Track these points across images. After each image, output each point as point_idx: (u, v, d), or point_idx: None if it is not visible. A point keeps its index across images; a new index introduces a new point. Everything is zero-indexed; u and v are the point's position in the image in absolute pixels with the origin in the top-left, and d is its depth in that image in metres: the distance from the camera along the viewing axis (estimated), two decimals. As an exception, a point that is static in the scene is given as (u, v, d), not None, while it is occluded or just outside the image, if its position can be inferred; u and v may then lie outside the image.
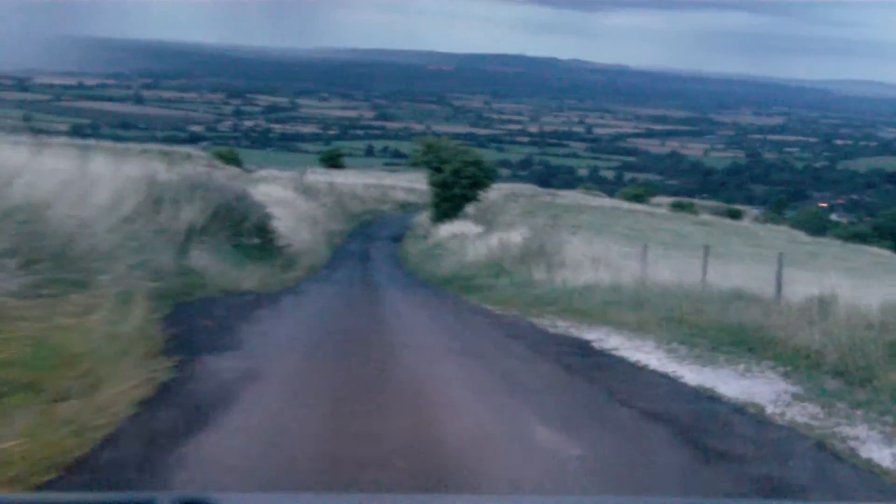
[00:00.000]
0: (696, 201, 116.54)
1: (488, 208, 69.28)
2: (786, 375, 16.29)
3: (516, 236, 39.50)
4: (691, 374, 16.29)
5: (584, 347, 19.69)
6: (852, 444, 11.79)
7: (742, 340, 19.31)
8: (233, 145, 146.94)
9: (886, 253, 76.97)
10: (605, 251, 35.38)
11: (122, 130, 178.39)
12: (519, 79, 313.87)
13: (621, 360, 17.96)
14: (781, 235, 77.43)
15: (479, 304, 29.11)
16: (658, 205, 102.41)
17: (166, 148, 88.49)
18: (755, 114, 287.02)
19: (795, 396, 14.55)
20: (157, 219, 27.34)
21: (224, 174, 63.81)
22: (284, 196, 64.09)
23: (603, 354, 18.76)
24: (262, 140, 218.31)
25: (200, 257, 27.34)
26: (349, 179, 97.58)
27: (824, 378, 15.75)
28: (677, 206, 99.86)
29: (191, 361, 14.13)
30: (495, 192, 77.44)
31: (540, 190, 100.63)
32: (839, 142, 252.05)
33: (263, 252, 35.09)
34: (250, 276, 29.21)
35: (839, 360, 16.09)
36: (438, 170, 68.40)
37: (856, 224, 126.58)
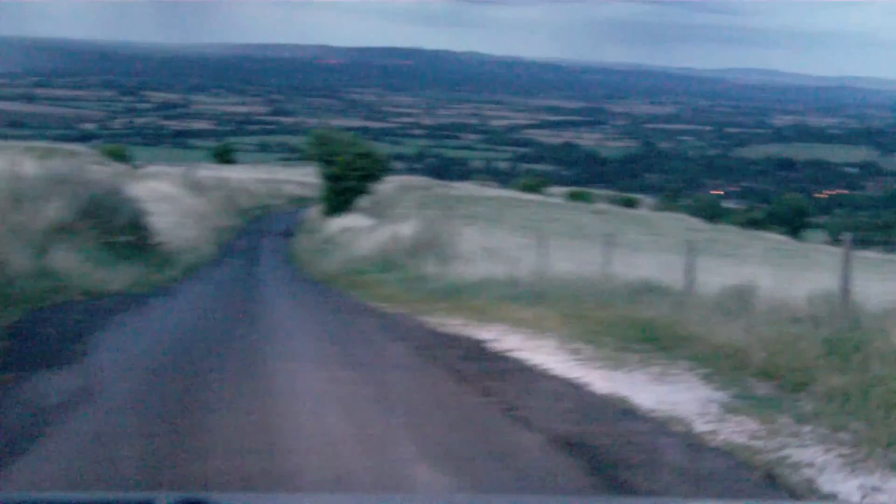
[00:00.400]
0: (592, 191, 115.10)
1: (381, 201, 67.17)
2: (707, 379, 14.19)
3: (407, 229, 37.33)
4: (600, 381, 14.12)
5: (478, 350, 17.59)
6: (808, 472, 9.49)
7: (654, 337, 17.21)
8: (126, 143, 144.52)
9: (784, 238, 76.52)
10: (501, 243, 33.29)
11: (12, 129, 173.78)
12: (413, 72, 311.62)
13: (520, 365, 15.84)
14: (679, 223, 76.19)
15: (365, 301, 26.97)
16: (553, 195, 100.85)
17: (52, 145, 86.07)
18: (648, 103, 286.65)
19: (725, 406, 12.37)
20: (16, 217, 25.03)
21: (108, 171, 62.03)
22: (171, 192, 62.70)
23: (499, 357, 16.65)
24: (155, 137, 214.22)
25: (64, 258, 24.98)
26: (240, 174, 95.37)
27: (752, 381, 13.70)
28: (573, 196, 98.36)
29: (22, 379, 11.97)
30: (389, 185, 75.51)
31: (434, 181, 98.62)
32: (732, 130, 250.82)
33: (137, 251, 32.71)
34: (120, 277, 27.08)
35: (768, 359, 14.00)
36: (330, 162, 66.93)
37: (750, 211, 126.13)
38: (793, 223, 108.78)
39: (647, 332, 17.63)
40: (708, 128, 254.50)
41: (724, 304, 18.10)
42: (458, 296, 25.15)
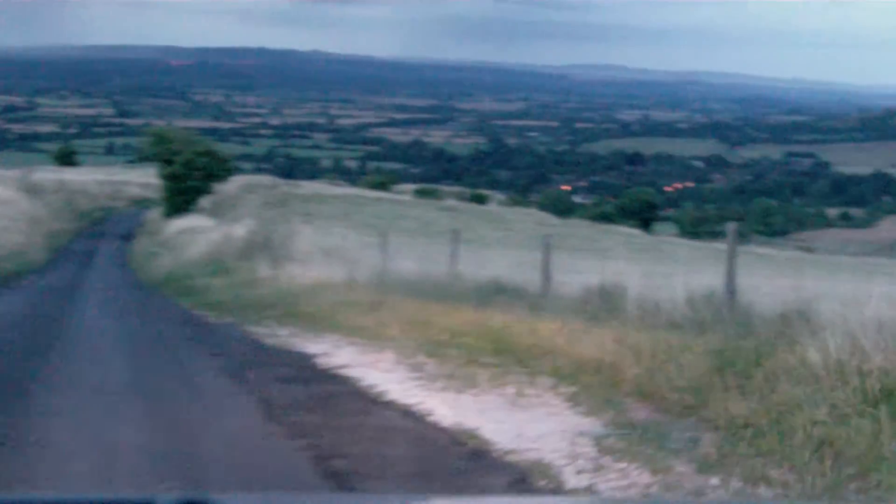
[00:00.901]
0: (441, 187, 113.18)
1: (224, 201, 64.19)
2: (574, 400, 11.70)
3: (241, 229, 34.43)
4: (445, 408, 11.55)
5: (304, 367, 15.04)
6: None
7: (508, 348, 14.60)
8: None
9: (637, 232, 75.37)
10: (344, 242, 30.58)
11: None
12: (259, 72, 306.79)
13: (349, 387, 13.29)
14: (529, 218, 74.50)
15: (191, 309, 24.15)
16: (402, 192, 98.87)
17: None
18: (496, 100, 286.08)
19: (600, 444, 9.74)
20: None
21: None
22: (3, 195, 58.91)
23: (326, 378, 14.10)
24: (0, 141, 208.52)
25: None
26: (81, 177, 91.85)
27: (627, 403, 11.20)
28: (421, 193, 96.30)
29: None
30: (233, 185, 72.67)
31: (280, 181, 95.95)
32: (580, 125, 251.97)
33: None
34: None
35: (645, 376, 11.46)
36: (170, 162, 64.09)
37: (600, 205, 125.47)
38: (643, 216, 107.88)
39: (500, 341, 15.06)
40: (555, 124, 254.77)
41: (588, 307, 15.63)
42: (293, 301, 22.38)
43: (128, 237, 61.32)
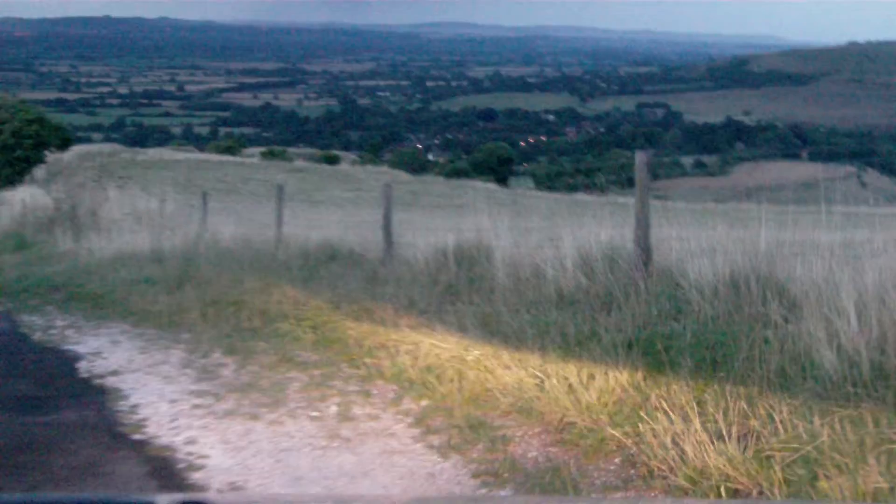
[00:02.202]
0: (292, 150, 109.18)
1: (61, 171, 59.26)
2: (425, 426, 7.65)
3: (44, 198, 29.83)
4: (224, 450, 7.39)
5: (60, 376, 11.04)
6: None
7: (334, 339, 10.71)
8: None
9: (493, 186, 71.95)
10: (160, 208, 26.13)
11: None
12: (105, 41, 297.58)
13: (105, 412, 9.21)
14: (382, 176, 70.49)
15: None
16: (251, 156, 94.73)
17: None
18: (345, 61, 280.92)
19: None
20: None
21: None
22: None
23: (82, 393, 10.08)
24: None
25: None
26: None
27: (506, 428, 7.06)
28: (269, 155, 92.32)
29: None
30: (70, 154, 67.91)
31: (123, 148, 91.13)
32: (430, 84, 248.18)
33: None
34: None
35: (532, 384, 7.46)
36: None
37: (454, 161, 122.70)
38: (498, 172, 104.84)
39: (324, 329, 11.04)
40: (406, 83, 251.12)
41: (443, 276, 11.64)
42: (86, 279, 18.03)
43: None
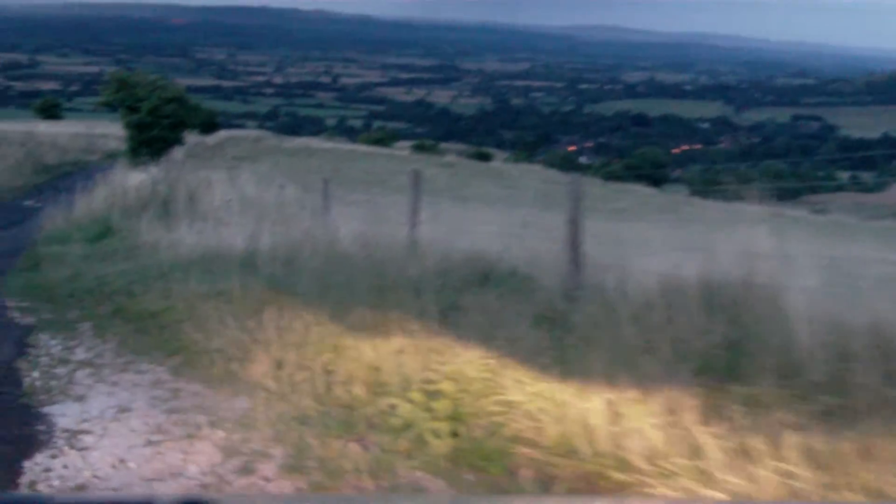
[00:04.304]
0: (444, 145, 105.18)
1: (200, 154, 55.49)
2: None
3: (136, 178, 25.08)
4: None
5: None
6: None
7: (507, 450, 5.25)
8: None
9: (651, 191, 67.36)
10: (275, 195, 21.18)
11: None
12: (262, 30, 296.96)
13: None
14: (535, 175, 66.21)
15: (5, 295, 14.85)
16: (402, 149, 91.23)
17: None
18: (500, 60, 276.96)
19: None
20: None
21: None
22: None
23: None
24: (1, 98, 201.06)
25: None
26: (54, 129, 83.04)
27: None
28: (420, 148, 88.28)
29: None
30: (213, 138, 64.93)
31: (268, 135, 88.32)
32: (584, 86, 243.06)
33: None
34: None
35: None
36: (134, 109, 55.05)
37: (607, 165, 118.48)
38: (652, 177, 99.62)
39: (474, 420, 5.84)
40: (560, 84, 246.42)
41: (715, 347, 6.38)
42: (147, 287, 13.07)
43: (81, 192, 52.80)
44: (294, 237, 14.99)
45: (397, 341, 8.34)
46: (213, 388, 8.09)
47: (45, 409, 7.81)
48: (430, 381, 7.22)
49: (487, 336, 7.99)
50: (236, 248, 14.71)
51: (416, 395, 7.00)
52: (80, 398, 8.18)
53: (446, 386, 7.00)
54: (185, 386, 8.26)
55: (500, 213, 20.49)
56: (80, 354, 9.91)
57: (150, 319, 11.10)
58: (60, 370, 9.21)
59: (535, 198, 23.78)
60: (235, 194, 20.72)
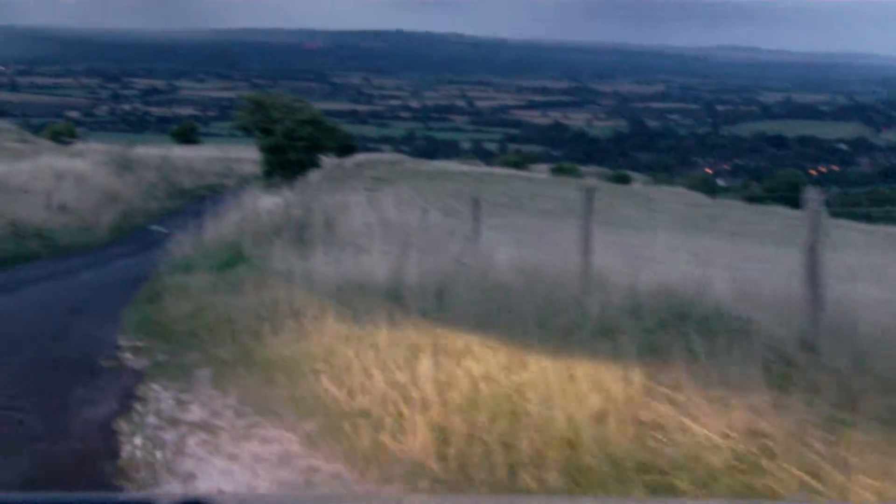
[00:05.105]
0: (582, 168, 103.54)
1: (336, 177, 54.48)
2: None
3: (269, 202, 23.46)
4: None
5: None
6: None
7: None
8: (110, 129, 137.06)
9: (797, 213, 64.41)
10: (418, 219, 19.34)
11: None
12: (397, 54, 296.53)
13: None
14: (678, 198, 65.03)
15: (120, 331, 13.24)
16: (539, 171, 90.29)
17: None
18: (635, 82, 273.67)
19: None
20: None
21: (17, 147, 59.80)
22: (77, 169, 50.65)
23: None
24: (140, 123, 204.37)
25: None
26: (190, 153, 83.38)
27: None
28: (559, 171, 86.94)
29: None
30: (350, 161, 64.46)
31: (405, 158, 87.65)
32: (721, 108, 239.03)
33: None
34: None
35: None
36: (268, 131, 54.38)
37: (747, 187, 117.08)
38: (791, 199, 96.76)
39: None
40: (696, 106, 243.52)
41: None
42: (274, 327, 11.21)
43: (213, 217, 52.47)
44: (444, 266, 13.10)
45: (594, 402, 6.39)
46: (360, 469, 6.22)
47: (142, 497, 6.00)
48: (653, 469, 5.24)
49: (718, 400, 5.99)
50: (379, 279, 12.86)
51: (638, 492, 5.02)
52: (188, 477, 6.40)
53: (681, 482, 4.99)
54: (322, 465, 6.42)
55: (655, 239, 18.47)
56: (195, 412, 8.16)
57: (279, 367, 9.27)
58: (169, 435, 7.48)
59: (681, 222, 21.99)
60: (375, 218, 18.88)
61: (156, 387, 9.20)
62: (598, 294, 9.78)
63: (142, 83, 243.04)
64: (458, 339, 8.70)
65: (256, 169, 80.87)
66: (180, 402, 8.51)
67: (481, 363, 7.81)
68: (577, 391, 6.74)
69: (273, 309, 12.17)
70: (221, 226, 23.69)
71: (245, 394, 8.47)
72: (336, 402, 7.66)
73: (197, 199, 65.40)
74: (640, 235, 21.38)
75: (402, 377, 7.85)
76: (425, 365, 7.86)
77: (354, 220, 18.95)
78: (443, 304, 10.61)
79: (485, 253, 13.87)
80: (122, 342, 12.21)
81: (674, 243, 15.05)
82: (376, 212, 20.15)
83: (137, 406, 8.52)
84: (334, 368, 8.54)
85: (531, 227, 20.89)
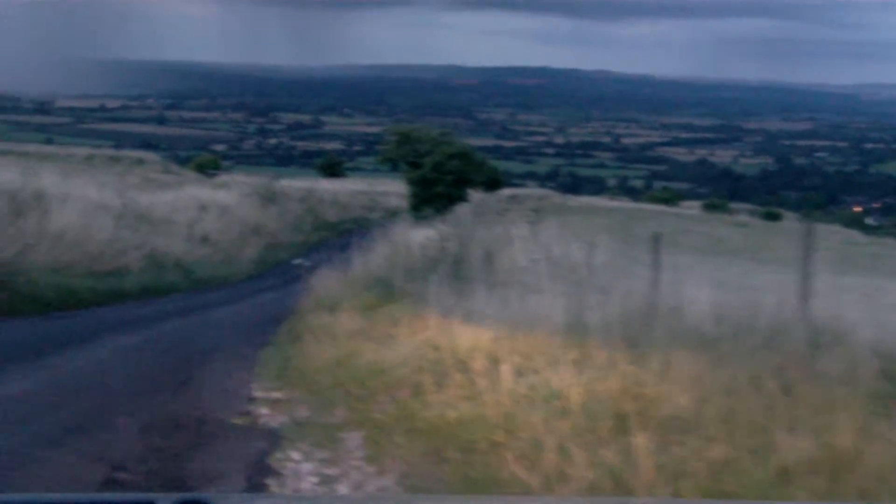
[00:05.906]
0: (731, 205, 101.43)
1: (485, 211, 53.10)
2: None
3: (421, 235, 21.84)
4: None
5: None
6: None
7: None
8: (256, 163, 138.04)
9: None
10: (585, 256, 17.48)
11: (143, 151, 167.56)
12: (543, 91, 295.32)
13: None
14: (833, 235, 62.53)
15: (254, 378, 11.69)
16: (688, 208, 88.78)
17: (117, 153, 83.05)
18: (782, 119, 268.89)
19: None
20: None
21: (162, 178, 59.93)
22: (221, 200, 50.70)
23: None
24: (286, 158, 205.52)
25: None
26: (335, 186, 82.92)
27: None
28: (710, 207, 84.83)
29: None
30: (498, 195, 63.55)
31: (552, 193, 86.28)
32: (869, 146, 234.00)
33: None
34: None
35: None
36: (416, 165, 53.36)
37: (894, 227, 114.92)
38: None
39: None
40: (844, 143, 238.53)
41: None
42: (454, 374, 9.35)
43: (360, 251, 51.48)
44: (625, 307, 11.25)
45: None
46: None
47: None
48: None
49: None
50: (554, 323, 11.00)
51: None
52: None
53: None
54: None
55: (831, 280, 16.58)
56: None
57: (447, 436, 7.48)
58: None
59: (842, 262, 20.67)
60: (540, 253, 17.07)
61: (295, 455, 7.53)
62: (834, 348, 7.88)
63: (288, 118, 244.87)
64: (663, 404, 6.87)
65: (402, 202, 79.98)
66: (324, 479, 6.80)
67: (699, 436, 5.98)
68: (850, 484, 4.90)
69: (436, 359, 10.36)
70: (369, 260, 22.05)
71: (407, 471, 6.72)
72: (527, 491, 5.85)
73: (342, 233, 64.63)
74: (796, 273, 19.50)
75: (609, 454, 6.03)
76: (641, 442, 6.02)
77: (517, 254, 17.15)
78: (633, 349, 8.80)
79: (671, 294, 12.00)
80: (257, 393, 10.58)
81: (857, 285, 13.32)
82: (540, 246, 18.33)
83: (269, 482, 6.82)
84: (518, 441, 6.73)
85: (699, 265, 19.03)
